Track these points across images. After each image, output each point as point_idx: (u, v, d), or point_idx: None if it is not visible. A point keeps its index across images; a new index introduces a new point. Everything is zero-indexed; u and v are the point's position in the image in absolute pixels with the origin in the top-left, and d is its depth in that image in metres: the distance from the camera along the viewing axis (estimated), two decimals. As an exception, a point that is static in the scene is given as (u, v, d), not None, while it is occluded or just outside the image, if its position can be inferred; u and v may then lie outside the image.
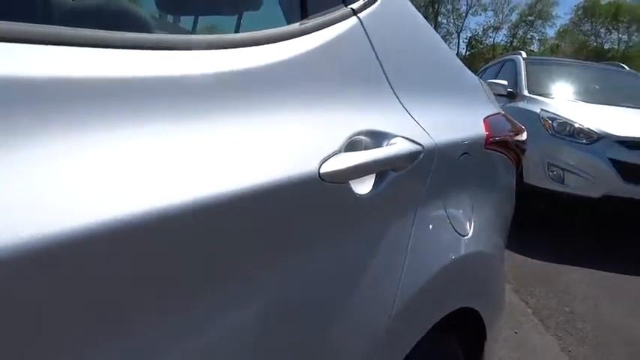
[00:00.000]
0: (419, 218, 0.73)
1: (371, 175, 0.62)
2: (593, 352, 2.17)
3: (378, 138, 0.64)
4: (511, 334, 2.23)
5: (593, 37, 41.14)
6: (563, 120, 3.82)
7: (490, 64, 6.47)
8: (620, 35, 40.28)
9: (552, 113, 3.93)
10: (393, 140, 0.66)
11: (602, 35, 40.63)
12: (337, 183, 0.54)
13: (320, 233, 0.54)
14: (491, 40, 42.84)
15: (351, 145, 0.59)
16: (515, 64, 5.09)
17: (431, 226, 0.76)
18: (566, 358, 2.10)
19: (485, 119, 1.00)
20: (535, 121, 3.96)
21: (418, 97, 0.79)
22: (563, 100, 4.43)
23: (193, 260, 0.41)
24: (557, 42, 41.99)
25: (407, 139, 0.68)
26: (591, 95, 4.57)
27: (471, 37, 43.38)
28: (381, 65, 0.72)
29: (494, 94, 4.40)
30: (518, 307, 2.55)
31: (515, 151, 1.25)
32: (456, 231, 0.83)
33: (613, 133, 3.64)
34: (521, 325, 2.35)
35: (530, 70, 4.84)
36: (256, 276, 0.47)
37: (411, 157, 0.68)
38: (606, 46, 39.57)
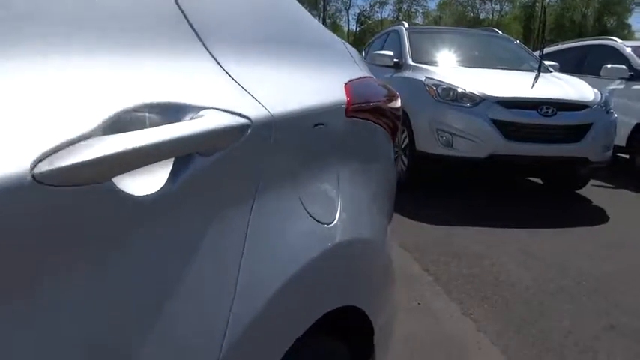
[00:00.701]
0: (257, 214, 0.56)
1: (161, 167, 0.44)
2: (493, 309, 2.20)
3: (173, 112, 0.46)
4: (415, 305, 2.20)
5: (470, 8, 43.90)
6: (447, 85, 3.89)
7: (376, 36, 6.52)
8: (493, 5, 43.37)
9: (436, 80, 3.99)
10: (200, 113, 0.48)
11: (478, 6, 43.49)
12: (80, 185, 0.35)
13: (69, 261, 0.36)
14: (379, 15, 44.11)
15: (123, 124, 0.40)
16: (398, 34, 5.14)
17: (277, 222, 0.60)
18: (468, 320, 2.10)
19: (346, 84, 0.86)
20: (421, 88, 4.01)
21: (248, 58, 0.62)
22: (446, 66, 4.53)
23: None
24: (438, 14, 44.24)
25: (224, 110, 0.51)
26: (470, 60, 4.74)
27: (359, 14, 44.31)
28: (183, 14, 0.53)
29: (382, 65, 4.41)
30: (420, 276, 2.54)
31: (390, 118, 1.13)
32: (316, 220, 0.68)
33: (492, 94, 3.78)
34: (424, 294, 2.32)
35: (413, 39, 4.90)
36: None
37: (231, 134, 0.51)
38: (482, 16, 42.46)
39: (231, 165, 0.52)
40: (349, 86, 0.86)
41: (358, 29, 43.64)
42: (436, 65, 4.49)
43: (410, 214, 3.48)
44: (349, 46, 1.09)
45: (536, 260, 2.79)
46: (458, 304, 2.23)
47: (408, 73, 4.44)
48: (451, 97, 3.85)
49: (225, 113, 0.51)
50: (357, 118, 0.85)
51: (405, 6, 43.70)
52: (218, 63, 0.56)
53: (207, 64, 0.54)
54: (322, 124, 0.72)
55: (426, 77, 4.07)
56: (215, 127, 0.48)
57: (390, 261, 1.01)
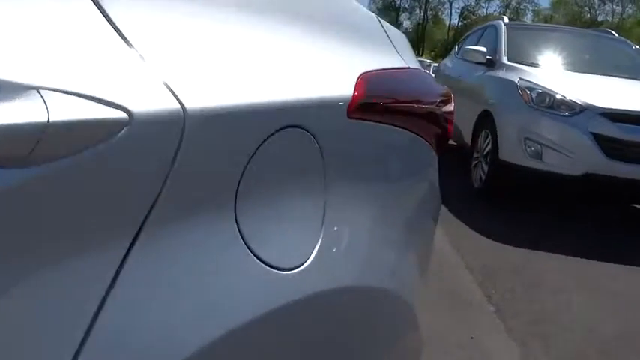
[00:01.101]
0: (141, 259, 0.36)
1: None
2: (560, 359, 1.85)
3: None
4: (466, 339, 1.91)
5: (587, 9, 40.43)
6: (543, 90, 3.45)
7: (471, 31, 6.04)
8: (614, 7, 39.62)
9: (531, 82, 3.55)
10: (8, 95, 0.29)
11: (596, 7, 39.92)
12: None
13: None
14: (484, 10, 41.94)
15: None
16: (495, 30, 4.69)
17: (185, 269, 0.40)
18: (529, 369, 1.78)
19: (362, 75, 0.62)
20: (513, 91, 3.60)
21: (169, 9, 0.41)
22: (545, 68, 4.05)
23: None
24: (551, 13, 41.19)
25: (70, 93, 0.31)
26: (576, 63, 4.20)
27: (463, 8, 42.42)
28: None
29: (473, 62, 4.02)
30: (480, 305, 2.23)
31: (438, 124, 0.88)
32: (266, 264, 0.46)
33: (597, 104, 3.28)
34: (479, 327, 2.02)
35: (511, 36, 4.44)
36: None
37: (69, 136, 0.31)
38: (600, 18, 38.96)
39: (77, 184, 0.32)
40: (365, 77, 0.63)
41: (460, 24, 41.82)
42: (534, 66, 4.01)
43: (483, 230, 3.13)
44: (390, 28, 0.85)
45: (627, 305, 2.35)
46: (518, 346, 1.90)
47: (500, 73, 4.01)
48: (547, 103, 3.40)
49: (74, 98, 0.31)
50: (369, 120, 0.62)
51: (513, 2, 41.17)
52: (101, 12, 0.36)
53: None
54: (299, 127, 0.50)
55: (520, 79, 3.63)
56: (15, 124, 0.28)
57: (412, 315, 0.77)
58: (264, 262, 0.47)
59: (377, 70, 0.68)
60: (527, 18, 39.88)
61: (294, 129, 0.50)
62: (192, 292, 0.41)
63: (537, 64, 4.12)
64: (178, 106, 0.37)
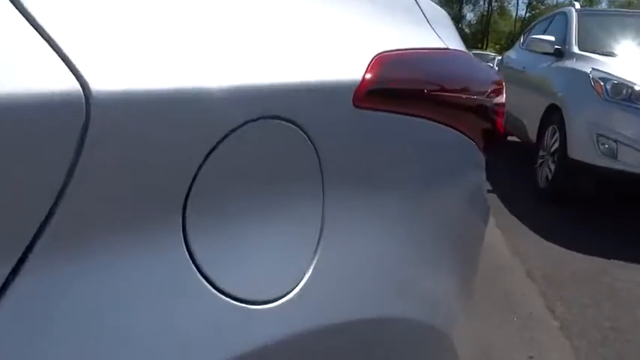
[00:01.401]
0: (23, 301, 0.26)
1: None
2: (637, 387, 1.62)
3: None
4: (524, 358, 1.71)
5: (671, -6, 37.24)
6: (619, 81, 3.12)
7: (538, 20, 5.65)
8: (703, -10, 36.23)
9: (606, 73, 3.22)
10: None
11: (682, -9, 36.67)
12: None
13: None
14: (554, 0, 39.76)
15: None
16: (566, 16, 4.33)
17: (95, 322, 0.29)
18: (598, 396, 1.57)
19: (381, 54, 0.50)
20: (584, 82, 3.29)
21: None
22: (622, 57, 3.68)
23: None
24: (629, 0, 38.36)
25: None
26: (659, 51, 3.78)
27: (531, -2, 40.42)
28: None
29: (539, 52, 3.72)
30: (542, 318, 2.01)
31: (486, 118, 0.74)
32: (231, 297, 0.35)
33: (683, 96, 2.92)
34: (540, 345, 1.81)
35: (582, 23, 4.09)
36: None
37: None
38: (686, 3, 35.76)
39: None
40: (382, 58, 0.50)
41: (528, 15, 39.88)
42: (609, 55, 3.65)
43: (548, 234, 2.87)
44: (436, 11, 0.72)
45: None
46: (587, 369, 1.69)
47: (570, 63, 3.69)
48: (623, 95, 3.07)
49: None
50: (386, 111, 0.49)
51: (587, -10, 38.70)
52: None
53: None
54: (280, 118, 0.39)
55: (593, 69, 3.31)
56: None
57: (452, 351, 0.63)
58: (224, 294, 0.35)
59: (400, 49, 0.55)
60: (603, 6, 37.40)
61: (273, 120, 0.38)
62: (109, 344, 0.30)
63: (613, 53, 3.76)
64: (77, 85, 0.27)
